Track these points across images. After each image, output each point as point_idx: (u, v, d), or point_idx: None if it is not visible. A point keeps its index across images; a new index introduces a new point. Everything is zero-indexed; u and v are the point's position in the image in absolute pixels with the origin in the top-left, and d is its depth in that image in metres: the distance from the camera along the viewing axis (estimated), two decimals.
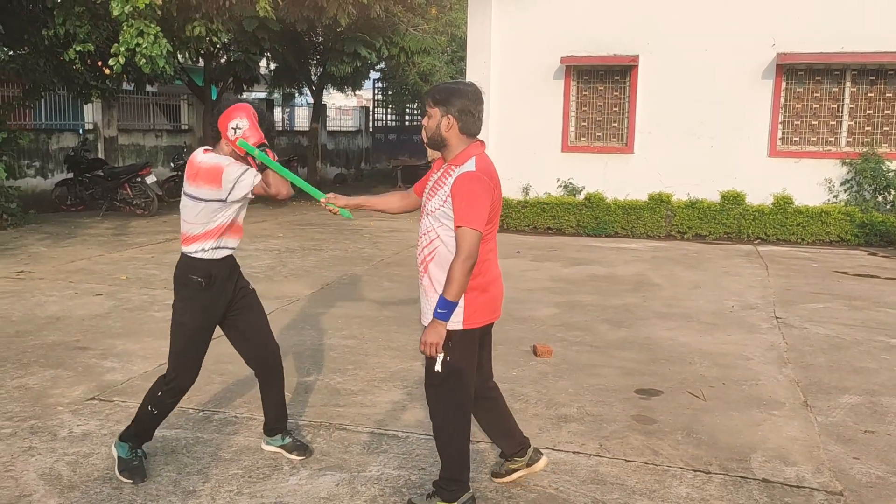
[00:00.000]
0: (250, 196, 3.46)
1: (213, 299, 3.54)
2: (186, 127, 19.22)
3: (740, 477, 3.70)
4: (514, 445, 3.53)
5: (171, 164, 16.52)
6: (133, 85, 15.83)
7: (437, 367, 3.11)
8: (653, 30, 11.95)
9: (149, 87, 17.02)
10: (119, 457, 3.60)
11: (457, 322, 3.09)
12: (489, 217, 3.06)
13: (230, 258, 3.60)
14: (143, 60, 9.34)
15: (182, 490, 3.48)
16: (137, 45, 9.20)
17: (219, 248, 3.51)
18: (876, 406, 4.66)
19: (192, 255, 3.49)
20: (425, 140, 3.19)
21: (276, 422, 3.87)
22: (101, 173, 13.92)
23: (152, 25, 9.21)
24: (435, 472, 3.67)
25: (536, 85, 12.51)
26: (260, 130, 3.38)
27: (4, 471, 3.65)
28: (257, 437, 4.04)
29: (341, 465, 3.77)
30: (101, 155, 15.72)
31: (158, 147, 17.80)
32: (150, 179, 13.67)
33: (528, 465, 3.55)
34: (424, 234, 3.17)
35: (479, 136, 3.21)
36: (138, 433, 3.65)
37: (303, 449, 3.86)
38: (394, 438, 4.09)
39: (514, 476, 3.57)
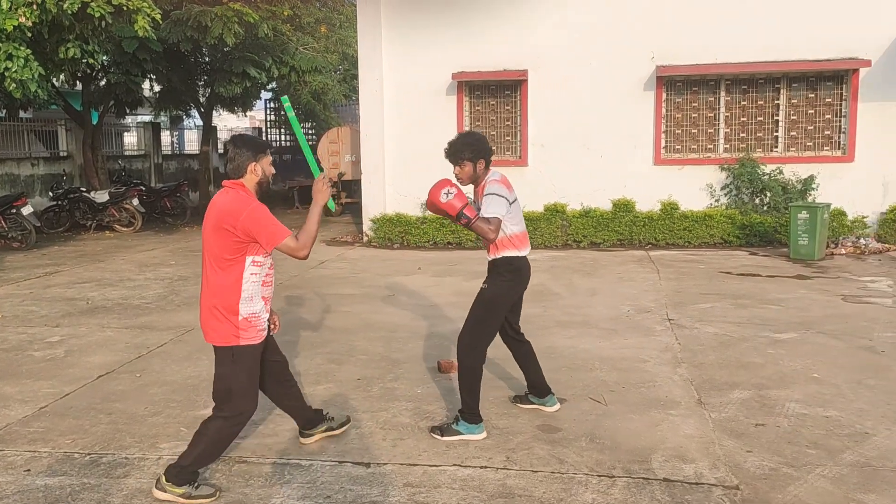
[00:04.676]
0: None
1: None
2: (65, 153, 18.20)
3: (642, 478, 3.77)
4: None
5: (50, 194, 15.63)
6: (5, 111, 14.95)
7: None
8: (540, 45, 12.26)
9: (23, 113, 16.11)
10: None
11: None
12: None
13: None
14: (14, 85, 8.84)
15: None
16: (7, 68, 8.71)
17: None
18: (764, 399, 4.88)
19: None
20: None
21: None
22: None
23: (22, 48, 8.74)
24: (340, 500, 3.58)
25: (430, 101, 12.60)
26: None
27: None
28: (150, 478, 3.82)
29: (243, 500, 3.61)
30: None
31: (35, 176, 16.80)
32: (27, 210, 12.88)
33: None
34: None
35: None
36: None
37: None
38: (297, 468, 3.95)
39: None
